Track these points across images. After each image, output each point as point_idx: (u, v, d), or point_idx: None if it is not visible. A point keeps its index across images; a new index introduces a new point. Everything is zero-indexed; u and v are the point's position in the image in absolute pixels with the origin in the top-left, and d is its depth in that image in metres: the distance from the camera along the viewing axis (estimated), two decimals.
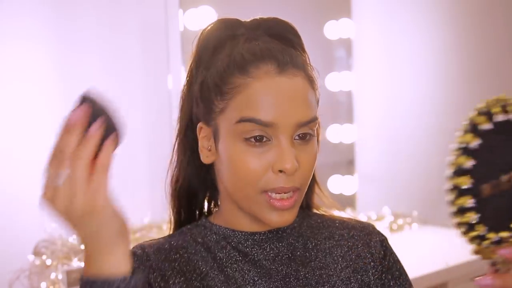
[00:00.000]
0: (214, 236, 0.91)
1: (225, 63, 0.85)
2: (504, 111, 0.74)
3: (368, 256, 0.94)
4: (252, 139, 0.81)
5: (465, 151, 0.72)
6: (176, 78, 2.01)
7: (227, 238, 0.90)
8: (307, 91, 0.84)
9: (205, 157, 0.89)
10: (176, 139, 0.96)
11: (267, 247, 0.90)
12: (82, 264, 1.69)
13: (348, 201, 2.45)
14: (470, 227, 0.72)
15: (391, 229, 2.32)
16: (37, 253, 1.75)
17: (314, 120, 0.84)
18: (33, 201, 1.93)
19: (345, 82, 2.49)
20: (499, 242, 0.73)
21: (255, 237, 0.90)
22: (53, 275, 1.68)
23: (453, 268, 1.90)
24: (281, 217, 0.83)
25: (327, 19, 2.44)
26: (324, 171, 0.85)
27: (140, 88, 2.05)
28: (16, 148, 1.82)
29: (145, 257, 0.88)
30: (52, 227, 1.79)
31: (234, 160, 0.83)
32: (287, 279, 0.88)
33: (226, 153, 0.84)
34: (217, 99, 0.84)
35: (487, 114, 0.74)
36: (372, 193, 2.52)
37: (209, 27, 0.92)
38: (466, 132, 0.73)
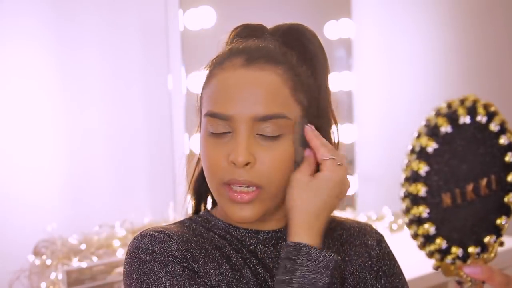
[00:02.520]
0: (218, 231, 0.90)
1: (215, 60, 0.89)
2: (470, 113, 0.65)
3: (366, 255, 0.95)
4: (213, 131, 0.83)
5: (420, 155, 0.64)
6: (176, 78, 2.01)
7: (231, 236, 0.90)
8: (275, 87, 0.83)
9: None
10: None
11: (271, 246, 0.90)
12: (82, 264, 1.69)
13: (348, 201, 2.45)
14: (427, 239, 0.64)
15: (391, 229, 2.32)
16: (37, 253, 1.75)
17: (278, 116, 0.82)
18: (33, 202, 1.94)
19: (345, 82, 2.49)
20: (464, 257, 0.66)
21: (259, 236, 0.90)
22: (53, 275, 1.68)
23: None
24: (241, 211, 0.83)
25: (327, 19, 2.44)
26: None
27: (140, 88, 2.05)
28: (17, 148, 1.82)
29: (169, 236, 0.86)
30: (52, 227, 1.80)
31: (202, 151, 0.86)
32: None
33: (200, 145, 0.87)
34: (202, 91, 0.89)
35: (449, 116, 0.64)
36: (372, 193, 2.52)
37: (233, 30, 0.94)
38: (422, 134, 0.64)
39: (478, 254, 0.66)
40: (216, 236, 0.90)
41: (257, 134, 0.82)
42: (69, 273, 1.65)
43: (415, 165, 0.64)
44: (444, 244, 0.64)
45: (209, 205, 0.97)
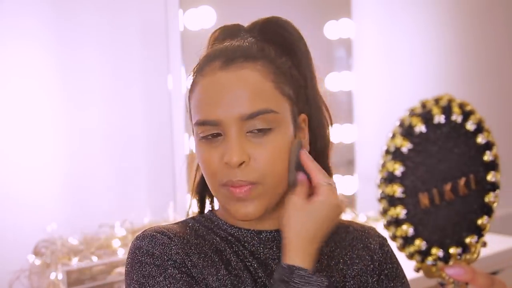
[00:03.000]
0: (220, 231, 0.90)
1: (196, 67, 0.89)
2: (445, 112, 0.63)
3: (368, 258, 0.95)
4: (209, 136, 0.84)
5: (395, 155, 0.63)
6: (176, 78, 2.01)
7: (233, 236, 0.90)
8: (257, 83, 0.83)
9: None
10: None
11: (273, 246, 0.90)
12: (82, 264, 1.69)
13: (348, 201, 2.45)
14: (406, 240, 0.63)
15: None
16: (37, 253, 1.75)
17: (265, 112, 0.82)
18: (33, 202, 1.94)
19: (345, 82, 2.49)
20: (446, 258, 0.64)
21: (261, 236, 0.89)
22: (53, 275, 1.68)
23: None
24: (244, 208, 0.83)
25: (327, 19, 2.44)
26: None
27: (140, 88, 2.05)
28: (17, 148, 1.82)
29: (170, 238, 0.86)
30: (52, 227, 1.80)
31: (198, 156, 0.86)
32: None
33: (195, 151, 0.88)
34: (189, 100, 0.89)
35: (423, 115, 0.63)
36: (372, 193, 2.51)
37: (212, 35, 0.95)
38: (396, 134, 0.63)
39: (459, 255, 0.65)
40: (218, 238, 0.89)
41: (247, 132, 0.82)
42: (69, 273, 1.65)
43: (390, 165, 0.63)
44: (423, 245, 0.63)
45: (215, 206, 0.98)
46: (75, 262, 1.70)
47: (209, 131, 0.83)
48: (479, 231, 0.65)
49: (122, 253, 1.77)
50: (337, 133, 2.55)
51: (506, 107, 3.09)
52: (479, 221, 0.65)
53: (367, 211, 2.41)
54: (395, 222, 0.62)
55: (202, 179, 0.94)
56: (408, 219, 0.62)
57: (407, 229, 0.62)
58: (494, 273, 2.03)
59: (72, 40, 1.92)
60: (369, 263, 0.94)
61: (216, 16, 2.01)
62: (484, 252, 0.68)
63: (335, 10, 2.48)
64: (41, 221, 1.81)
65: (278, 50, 0.89)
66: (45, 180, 1.86)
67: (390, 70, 2.66)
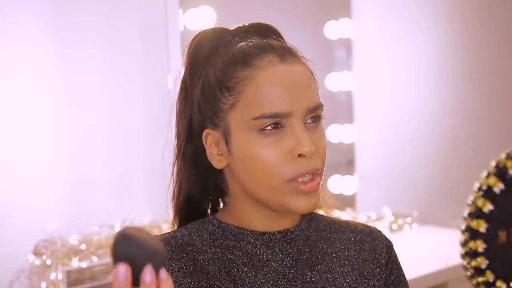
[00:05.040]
0: (222, 234, 0.90)
1: (226, 61, 0.86)
2: None
3: (375, 261, 0.94)
4: (269, 127, 0.82)
5: (487, 194, 0.69)
6: (176, 78, 2.01)
7: (235, 237, 0.89)
8: (310, 78, 0.86)
9: (218, 162, 0.88)
10: (176, 153, 0.96)
11: (276, 248, 0.89)
12: (82, 264, 1.69)
13: (348, 201, 2.45)
14: (478, 271, 0.69)
15: (391, 229, 2.32)
16: (37, 253, 1.75)
17: (321, 106, 0.85)
18: (33, 202, 1.94)
19: (345, 82, 2.49)
20: None
21: (265, 237, 0.89)
22: (53, 275, 1.68)
23: (453, 268, 1.90)
24: (308, 201, 0.83)
25: (327, 19, 2.44)
26: (324, 171, 0.85)
27: (140, 88, 2.05)
28: (17, 148, 1.82)
29: None
30: (52, 227, 1.80)
31: (251, 154, 0.83)
32: (293, 283, 0.88)
33: (242, 149, 0.84)
34: (225, 95, 0.85)
35: None
36: (372, 193, 2.52)
37: (196, 39, 0.94)
38: (491, 174, 0.70)
39: None
40: (220, 241, 0.89)
41: (305, 123, 0.84)
42: (69, 273, 1.65)
43: (480, 202, 0.69)
44: (491, 278, 0.70)
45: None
46: (75, 262, 1.70)
47: (270, 125, 0.82)
48: None
49: None
50: (337, 133, 2.56)
51: (506, 107, 3.09)
52: None
53: (367, 211, 2.41)
54: (473, 254, 0.69)
55: (189, 195, 0.94)
56: (484, 253, 0.69)
57: (482, 261, 0.69)
58: None
59: (72, 40, 1.92)
60: (376, 266, 0.94)
61: (216, 16, 2.02)
62: None
63: (335, 10, 2.48)
64: (41, 221, 1.81)
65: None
66: (45, 180, 1.86)
67: (390, 70, 2.66)
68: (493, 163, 0.69)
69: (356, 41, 2.48)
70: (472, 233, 0.69)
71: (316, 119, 0.85)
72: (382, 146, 2.63)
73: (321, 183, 0.86)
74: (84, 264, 1.68)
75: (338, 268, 0.92)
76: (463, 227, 0.69)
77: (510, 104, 3.12)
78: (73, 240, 1.79)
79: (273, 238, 0.89)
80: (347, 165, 2.52)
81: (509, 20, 3.05)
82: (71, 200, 1.91)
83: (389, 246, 0.97)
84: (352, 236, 0.96)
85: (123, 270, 0.63)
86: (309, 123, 0.84)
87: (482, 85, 2.97)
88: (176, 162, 0.97)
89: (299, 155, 0.81)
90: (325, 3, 2.50)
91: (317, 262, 0.91)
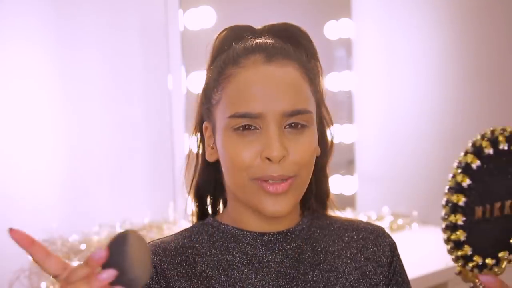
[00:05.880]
0: (222, 235, 0.90)
1: (223, 59, 0.87)
2: (508, 141, 0.76)
3: (377, 260, 0.94)
4: (241, 128, 0.83)
5: (465, 170, 0.74)
6: (176, 78, 2.01)
7: (235, 238, 0.89)
8: (298, 82, 0.84)
9: (209, 155, 0.90)
10: (190, 146, 0.97)
11: (275, 248, 0.89)
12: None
13: (348, 201, 2.45)
14: (457, 245, 0.74)
15: (391, 229, 2.32)
16: None
17: (304, 112, 0.83)
18: (33, 202, 1.94)
19: (345, 82, 2.49)
20: (482, 267, 0.75)
21: (264, 238, 0.89)
22: None
23: (453, 268, 1.89)
24: (275, 204, 0.83)
25: (327, 19, 2.44)
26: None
27: (140, 88, 2.05)
28: (17, 148, 1.82)
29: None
30: (52, 227, 1.80)
31: (226, 150, 0.84)
32: (294, 283, 0.88)
33: (220, 146, 0.86)
34: (215, 91, 0.87)
35: (492, 141, 0.75)
36: (372, 193, 2.52)
37: (220, 34, 0.93)
38: (468, 152, 0.75)
39: (492, 266, 0.76)
40: (220, 243, 0.89)
41: (284, 128, 0.83)
42: None
43: (459, 177, 0.74)
44: (469, 252, 0.74)
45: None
46: (75, 262, 1.70)
47: (243, 122, 0.82)
48: (510, 249, 0.77)
49: None
50: (337, 133, 2.55)
51: (507, 107, 3.09)
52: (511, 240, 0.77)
53: (367, 211, 2.41)
54: (453, 227, 0.73)
55: (205, 181, 0.94)
56: (463, 227, 0.73)
57: (461, 235, 0.73)
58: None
59: (72, 40, 1.92)
60: (378, 264, 0.94)
61: (216, 16, 2.01)
62: None
63: (335, 10, 2.48)
64: (41, 221, 1.81)
65: (306, 54, 0.90)
66: (45, 180, 1.86)
67: (390, 70, 2.66)
68: (470, 143, 0.76)
69: (356, 41, 2.48)
70: (452, 207, 0.73)
71: (298, 125, 0.83)
72: (382, 146, 2.63)
73: (301, 189, 0.85)
74: None
75: (341, 267, 0.91)
76: (443, 201, 0.74)
77: (510, 104, 3.11)
78: (73, 240, 1.79)
79: (272, 238, 0.89)
80: (347, 165, 2.52)
81: (509, 20, 3.05)
82: (71, 200, 1.91)
83: (392, 245, 0.97)
84: (354, 234, 0.96)
85: (102, 254, 0.61)
86: (287, 128, 0.83)
87: (482, 85, 2.96)
88: (193, 151, 0.98)
89: (267, 159, 0.81)
90: (325, 3, 2.50)
91: (320, 260, 0.91)
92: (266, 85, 0.82)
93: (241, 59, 0.85)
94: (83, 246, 1.76)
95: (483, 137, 0.76)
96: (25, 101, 1.84)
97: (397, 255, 0.97)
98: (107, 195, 1.98)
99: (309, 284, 0.88)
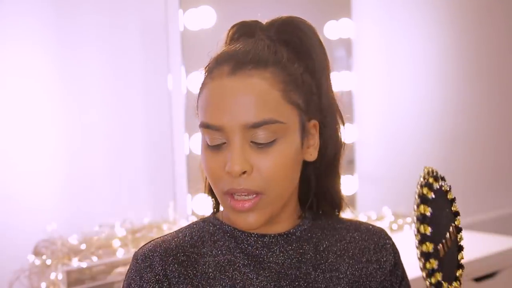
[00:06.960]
0: (223, 235, 0.90)
1: (208, 65, 0.88)
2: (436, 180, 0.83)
3: (378, 261, 0.94)
4: (208, 142, 0.83)
5: (423, 201, 0.78)
6: (176, 78, 2.01)
7: (236, 238, 0.89)
8: (264, 92, 0.81)
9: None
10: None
11: (276, 249, 0.89)
12: (82, 264, 1.69)
13: (348, 201, 2.45)
14: (431, 272, 0.77)
15: (391, 229, 2.32)
16: (37, 253, 1.75)
17: (267, 122, 0.80)
18: (33, 202, 1.94)
19: (345, 82, 2.48)
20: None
21: (265, 239, 0.88)
22: (53, 275, 1.68)
23: None
24: (245, 219, 0.83)
25: (327, 19, 2.44)
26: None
27: (140, 88, 2.05)
28: (17, 148, 1.82)
29: (150, 267, 0.86)
30: (52, 227, 1.80)
31: (203, 161, 0.85)
32: (296, 283, 0.88)
33: (201, 156, 0.87)
34: (198, 96, 0.88)
35: (429, 184, 0.81)
36: (372, 193, 2.52)
37: (229, 31, 0.93)
38: (423, 186, 0.80)
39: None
40: (221, 242, 0.89)
41: (251, 141, 0.81)
42: (69, 273, 1.65)
43: (421, 208, 0.78)
44: (440, 278, 0.78)
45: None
46: (75, 262, 1.70)
47: (213, 137, 0.82)
48: (461, 265, 0.84)
49: (122, 253, 1.77)
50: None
51: (506, 107, 3.09)
52: (459, 257, 0.85)
53: (367, 211, 2.41)
54: (426, 256, 0.77)
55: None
56: (435, 255, 0.77)
57: (435, 263, 0.77)
58: (493, 273, 2.03)
59: (72, 40, 1.92)
60: (380, 265, 0.94)
61: (216, 16, 2.01)
62: (484, 252, 0.79)
63: (335, 10, 2.47)
64: (41, 221, 1.81)
65: (292, 53, 0.87)
66: (45, 180, 1.86)
67: (390, 70, 2.66)
68: (422, 173, 0.82)
69: (356, 41, 2.48)
70: (422, 237, 0.76)
71: (267, 139, 0.81)
72: (382, 146, 2.63)
73: (272, 205, 0.83)
74: (84, 264, 1.68)
75: (342, 267, 0.91)
76: (414, 231, 0.77)
77: (510, 104, 3.12)
78: (73, 240, 1.79)
79: (273, 240, 0.89)
80: (347, 165, 2.52)
81: (509, 20, 3.05)
82: (71, 200, 1.91)
83: (393, 245, 0.97)
84: (357, 234, 0.96)
85: None
86: (254, 142, 0.81)
87: (482, 85, 2.97)
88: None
89: (228, 172, 0.81)
90: (325, 3, 2.50)
91: (322, 261, 0.91)
92: (226, 99, 0.81)
93: (213, 69, 0.85)
94: (83, 246, 1.76)
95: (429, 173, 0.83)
96: (25, 101, 1.84)
97: (398, 257, 0.97)
98: (107, 195, 1.98)
99: (311, 285, 0.88)
